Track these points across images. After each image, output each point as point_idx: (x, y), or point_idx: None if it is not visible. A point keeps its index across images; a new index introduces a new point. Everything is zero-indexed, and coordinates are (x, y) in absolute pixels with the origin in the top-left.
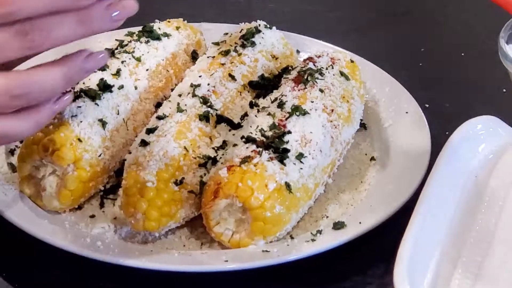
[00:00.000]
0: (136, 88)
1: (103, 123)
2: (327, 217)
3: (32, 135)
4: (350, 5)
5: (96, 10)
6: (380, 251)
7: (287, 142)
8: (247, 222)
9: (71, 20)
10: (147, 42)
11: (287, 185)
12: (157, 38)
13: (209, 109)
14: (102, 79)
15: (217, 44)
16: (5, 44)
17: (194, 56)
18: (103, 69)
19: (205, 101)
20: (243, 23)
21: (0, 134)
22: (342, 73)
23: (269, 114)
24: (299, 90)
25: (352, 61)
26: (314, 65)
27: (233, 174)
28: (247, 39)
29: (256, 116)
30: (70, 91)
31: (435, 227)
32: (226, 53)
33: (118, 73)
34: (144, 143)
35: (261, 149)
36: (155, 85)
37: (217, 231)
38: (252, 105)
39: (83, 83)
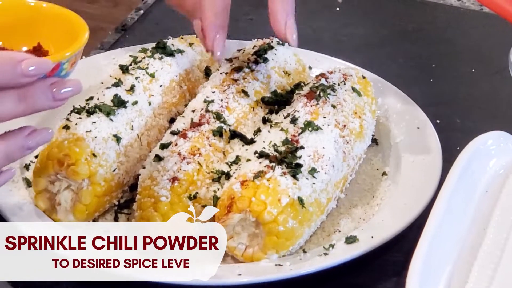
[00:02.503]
0: (150, 104)
1: (117, 139)
2: (340, 231)
3: None
4: (362, 22)
5: (38, 88)
6: (392, 265)
7: (300, 157)
8: (260, 237)
9: (11, 98)
10: (160, 58)
11: (300, 200)
12: (171, 54)
13: (222, 124)
14: (116, 95)
15: (230, 60)
16: None
17: (207, 72)
18: (117, 85)
19: (218, 116)
20: (256, 39)
21: None
22: (354, 89)
23: (282, 129)
24: (311, 106)
25: (364, 77)
26: (326, 81)
27: (247, 189)
28: (260, 55)
29: (269, 131)
30: (12, 168)
31: (447, 242)
32: (239, 69)
33: (132, 89)
34: (158, 158)
35: (274, 164)
36: (169, 101)
37: (230, 245)
38: (265, 120)
39: (98, 99)
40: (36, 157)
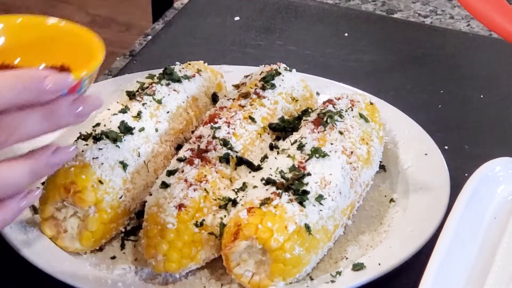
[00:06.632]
0: (156, 130)
1: (124, 165)
2: (347, 258)
3: None
4: (370, 48)
5: (61, 105)
6: None
7: (307, 184)
8: (267, 264)
9: (36, 116)
10: (167, 84)
11: (307, 227)
12: (178, 80)
13: (229, 151)
14: (123, 121)
15: (237, 86)
16: None
17: (214, 99)
18: (124, 111)
19: (225, 143)
20: (263, 65)
21: None
22: (361, 115)
23: (288, 156)
24: (318, 132)
25: (371, 103)
26: (334, 107)
27: (253, 216)
28: (267, 81)
29: (276, 158)
30: (39, 187)
31: (454, 268)
32: (246, 95)
33: (138, 115)
34: (164, 185)
35: (281, 191)
36: (176, 127)
37: (237, 273)
38: (272, 147)
39: (104, 125)
40: (43, 184)
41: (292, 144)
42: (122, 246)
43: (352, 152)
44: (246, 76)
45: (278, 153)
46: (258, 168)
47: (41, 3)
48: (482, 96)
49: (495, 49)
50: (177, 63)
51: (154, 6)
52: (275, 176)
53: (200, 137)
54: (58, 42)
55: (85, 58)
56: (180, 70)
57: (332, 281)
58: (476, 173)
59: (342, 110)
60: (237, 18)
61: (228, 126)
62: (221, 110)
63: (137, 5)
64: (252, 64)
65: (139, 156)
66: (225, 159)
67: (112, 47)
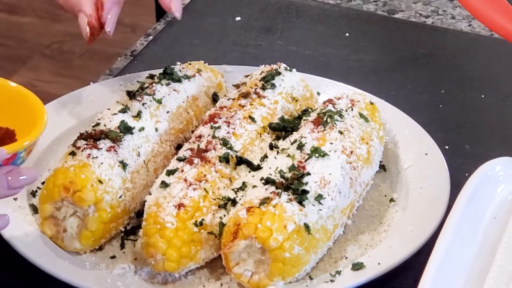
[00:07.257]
0: (156, 130)
1: (123, 165)
2: (346, 258)
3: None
4: (371, 48)
5: None
6: None
7: (306, 183)
8: (266, 263)
9: None
10: (168, 84)
11: (306, 226)
12: (178, 80)
13: (229, 150)
14: (123, 121)
15: (237, 86)
16: None
17: (214, 98)
18: (124, 111)
19: (225, 142)
20: (264, 65)
21: None
22: (361, 115)
23: (288, 155)
24: (318, 132)
25: (371, 103)
26: (334, 107)
27: (252, 215)
28: (268, 81)
29: (275, 157)
30: (6, 215)
31: (454, 268)
32: (246, 95)
33: (139, 115)
34: (164, 185)
35: (280, 191)
36: (176, 127)
37: (236, 272)
38: (271, 146)
39: (104, 125)
40: (43, 183)
41: (292, 144)
42: (122, 246)
43: (352, 152)
44: (246, 76)
45: (277, 152)
46: (257, 168)
47: (46, 4)
48: (482, 96)
49: (496, 49)
50: (178, 63)
51: (157, 6)
52: (275, 176)
53: (200, 136)
54: (3, 102)
55: (29, 123)
56: (180, 70)
57: (332, 281)
58: (476, 173)
59: (342, 109)
60: (238, 18)
61: (228, 126)
62: (221, 110)
63: (142, 6)
64: (253, 64)
65: (138, 155)
66: (224, 159)
67: (117, 48)
